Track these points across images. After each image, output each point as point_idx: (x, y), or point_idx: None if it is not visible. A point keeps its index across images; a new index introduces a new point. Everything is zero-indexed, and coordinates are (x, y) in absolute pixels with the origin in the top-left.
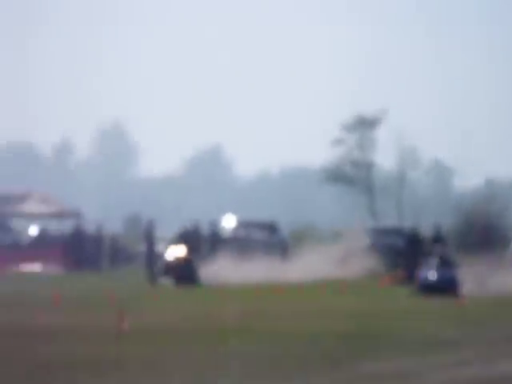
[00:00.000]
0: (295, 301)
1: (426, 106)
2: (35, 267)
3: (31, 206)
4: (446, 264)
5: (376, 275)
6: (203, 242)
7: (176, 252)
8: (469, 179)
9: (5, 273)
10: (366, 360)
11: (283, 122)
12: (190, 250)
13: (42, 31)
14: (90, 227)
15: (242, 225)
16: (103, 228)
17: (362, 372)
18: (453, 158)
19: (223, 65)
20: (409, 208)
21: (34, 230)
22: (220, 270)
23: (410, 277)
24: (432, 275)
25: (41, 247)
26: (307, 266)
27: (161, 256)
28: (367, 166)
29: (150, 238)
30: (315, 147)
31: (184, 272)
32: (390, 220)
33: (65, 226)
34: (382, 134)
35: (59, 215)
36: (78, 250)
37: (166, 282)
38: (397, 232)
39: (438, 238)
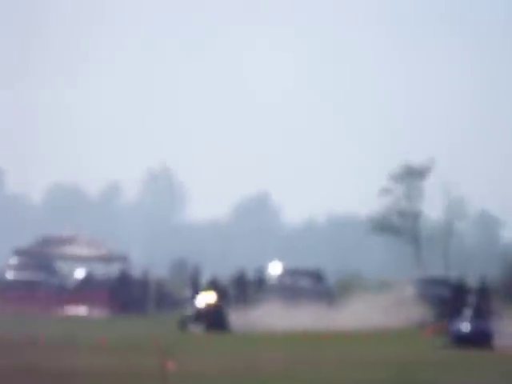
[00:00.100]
0: (339, 349)
1: (473, 156)
2: (81, 310)
3: (78, 249)
4: (480, 315)
5: (422, 325)
6: (248, 288)
7: (206, 299)
8: None
9: (51, 315)
10: None
11: (331, 171)
12: (221, 296)
13: (93, 71)
14: (136, 271)
15: (288, 272)
16: (149, 272)
17: None
18: (500, 209)
19: (272, 113)
20: (455, 258)
21: (80, 273)
22: (265, 316)
23: None
24: (465, 327)
25: (87, 290)
26: (354, 315)
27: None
28: (414, 216)
29: (195, 284)
30: (362, 196)
31: (214, 319)
32: (436, 270)
33: (111, 270)
34: (429, 183)
35: (106, 259)
36: (124, 293)
37: (196, 328)
38: (443, 282)
39: (482, 289)
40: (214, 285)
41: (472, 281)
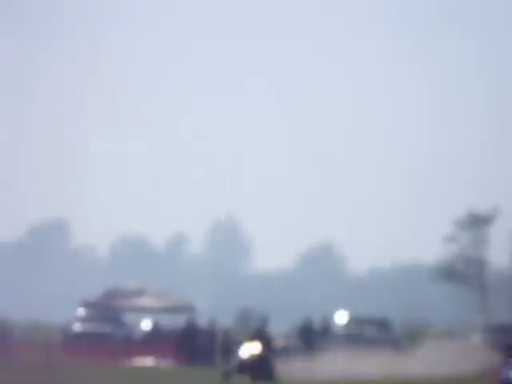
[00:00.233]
0: None
1: None
2: (148, 361)
3: (145, 301)
4: None
5: (491, 372)
6: (314, 336)
7: (250, 349)
8: None
9: (118, 367)
10: None
11: (395, 218)
12: (266, 346)
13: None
14: (202, 321)
15: (355, 321)
16: (216, 322)
17: None
18: None
19: (336, 161)
20: None
21: (147, 325)
22: (330, 364)
23: None
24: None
25: (154, 341)
26: (421, 363)
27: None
28: (480, 263)
29: (262, 335)
30: (427, 243)
31: (258, 369)
32: (503, 317)
33: (177, 320)
34: (494, 230)
35: (172, 309)
36: (191, 344)
37: (240, 379)
38: (511, 329)
39: None
40: (259, 334)
41: None
